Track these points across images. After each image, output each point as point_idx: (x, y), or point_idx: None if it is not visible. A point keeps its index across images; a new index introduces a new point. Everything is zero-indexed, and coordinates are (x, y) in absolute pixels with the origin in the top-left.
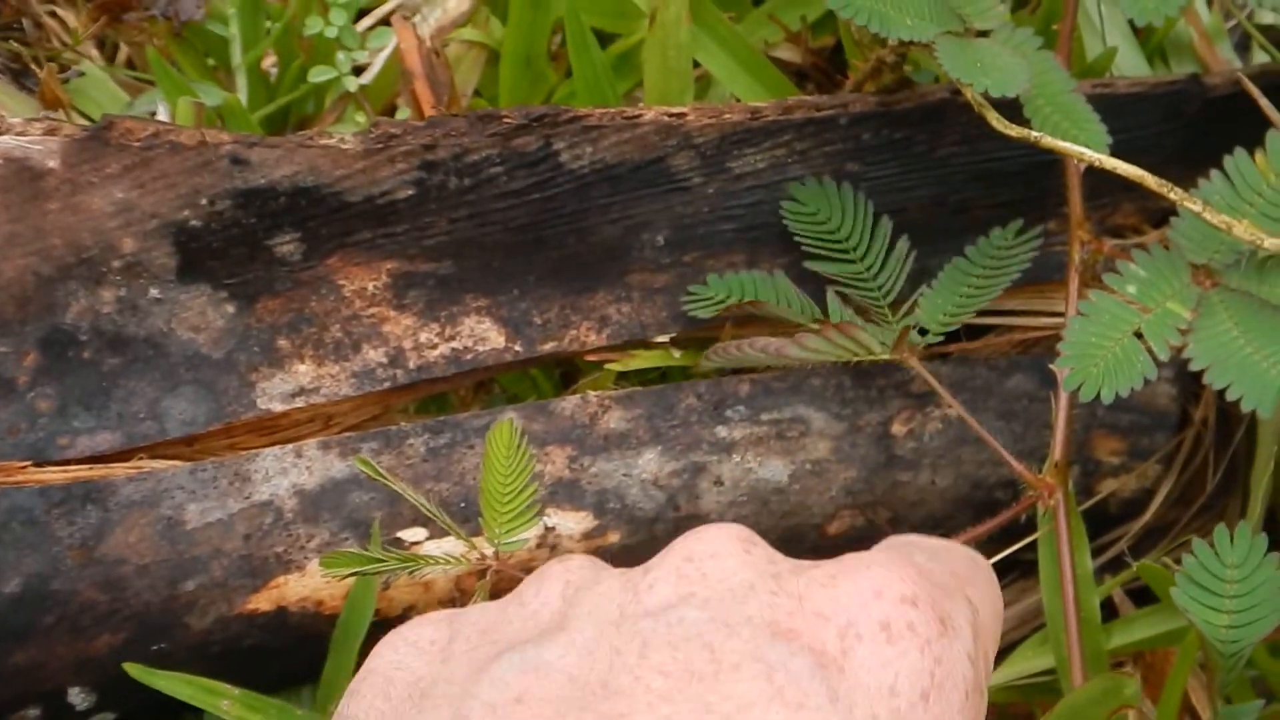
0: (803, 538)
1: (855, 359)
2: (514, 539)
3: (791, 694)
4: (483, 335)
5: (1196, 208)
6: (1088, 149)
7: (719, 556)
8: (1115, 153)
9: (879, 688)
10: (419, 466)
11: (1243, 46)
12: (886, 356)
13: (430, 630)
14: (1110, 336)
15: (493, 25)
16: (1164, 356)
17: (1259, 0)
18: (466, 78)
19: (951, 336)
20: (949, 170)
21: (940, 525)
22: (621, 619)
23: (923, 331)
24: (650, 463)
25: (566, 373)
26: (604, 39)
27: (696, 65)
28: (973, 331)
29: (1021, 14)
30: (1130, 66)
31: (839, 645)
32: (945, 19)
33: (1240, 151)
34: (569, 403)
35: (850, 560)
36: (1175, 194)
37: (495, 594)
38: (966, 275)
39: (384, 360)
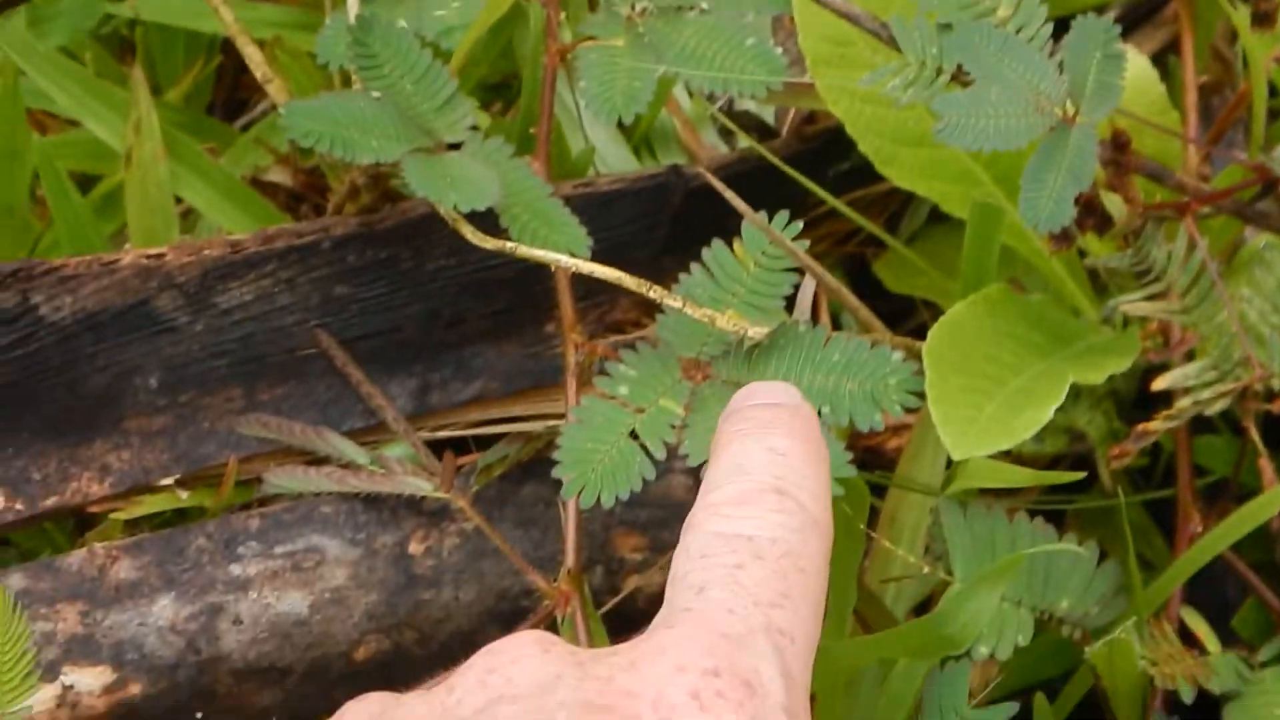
0: (329, 667)
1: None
2: (18, 708)
3: None
4: None
5: (678, 304)
6: (564, 254)
7: (520, 660)
8: (606, 250)
9: None
10: None
11: (729, 129)
12: (439, 495)
13: None
14: (605, 440)
15: None
16: (660, 455)
17: (739, 91)
18: None
19: (458, 446)
20: (440, 284)
21: (468, 640)
22: None
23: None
24: (165, 609)
25: (83, 520)
26: (90, 181)
27: (182, 200)
28: (483, 441)
29: (502, 120)
30: (616, 160)
31: (654, 716)
32: (413, 136)
33: (718, 243)
34: (75, 557)
35: (646, 645)
36: (655, 292)
37: None
38: None
39: None
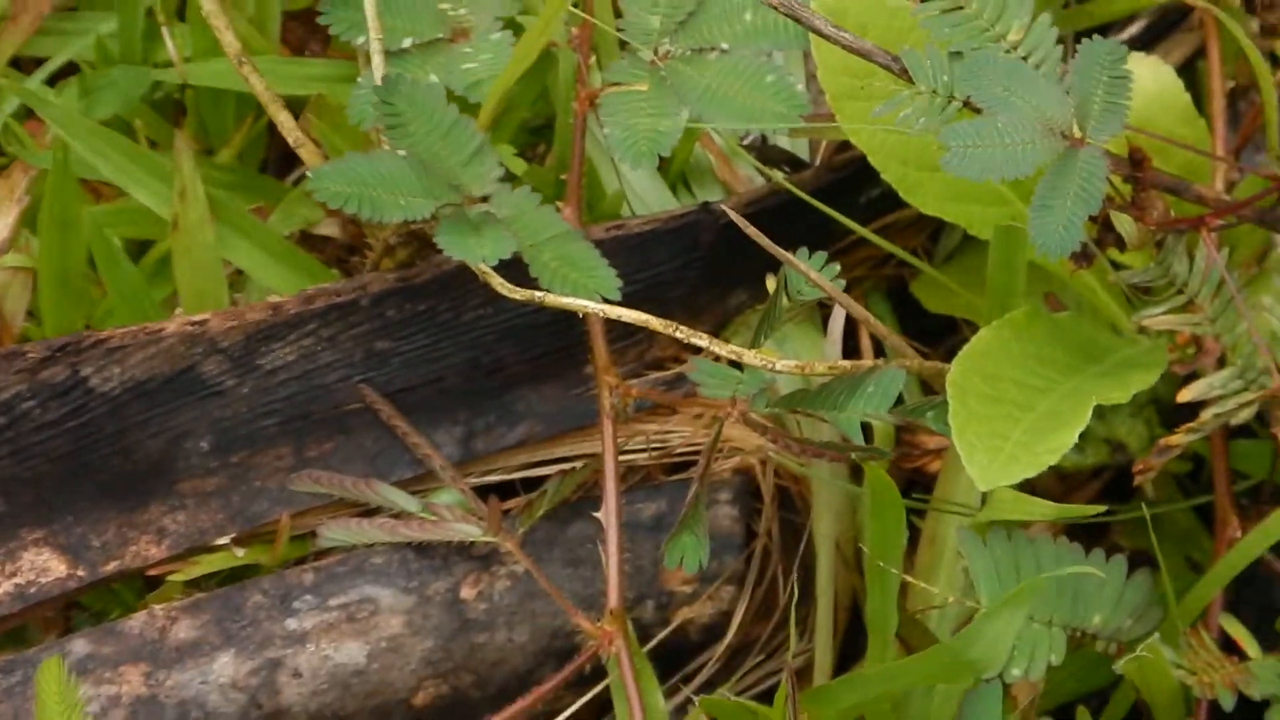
0: (390, 714)
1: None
2: None
3: None
4: (44, 566)
5: (704, 343)
6: (593, 299)
7: None
8: (642, 289)
9: None
10: None
11: (763, 159)
12: (488, 539)
13: None
14: None
15: (35, 247)
16: None
17: (761, 129)
18: (16, 304)
19: (505, 490)
20: (478, 333)
21: (525, 680)
22: None
23: None
24: (226, 666)
25: (149, 578)
26: (144, 246)
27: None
28: (531, 484)
29: (537, 167)
30: (653, 198)
31: None
32: (441, 192)
33: None
34: (136, 620)
35: None
36: (681, 333)
37: None
38: None
39: None
